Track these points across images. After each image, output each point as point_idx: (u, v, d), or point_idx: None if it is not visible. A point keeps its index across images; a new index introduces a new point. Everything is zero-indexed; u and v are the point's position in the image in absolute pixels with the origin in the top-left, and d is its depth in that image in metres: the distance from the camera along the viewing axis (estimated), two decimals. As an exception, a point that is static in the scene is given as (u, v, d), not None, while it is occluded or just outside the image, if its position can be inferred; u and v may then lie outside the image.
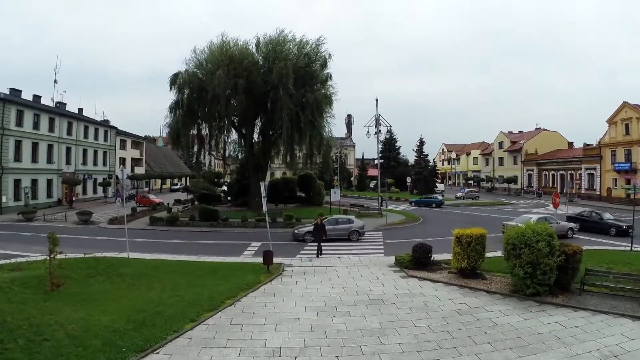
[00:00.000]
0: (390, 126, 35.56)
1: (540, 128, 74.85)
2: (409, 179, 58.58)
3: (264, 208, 16.67)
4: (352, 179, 72.43)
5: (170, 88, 31.14)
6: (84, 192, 47.54)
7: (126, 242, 17.59)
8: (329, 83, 34.54)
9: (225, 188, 46.34)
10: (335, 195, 32.13)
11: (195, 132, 32.32)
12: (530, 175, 66.66)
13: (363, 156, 79.44)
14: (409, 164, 76.08)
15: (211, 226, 27.01)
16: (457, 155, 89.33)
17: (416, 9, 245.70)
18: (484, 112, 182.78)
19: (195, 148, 33.65)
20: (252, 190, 34.37)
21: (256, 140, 35.13)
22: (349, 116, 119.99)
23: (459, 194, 54.29)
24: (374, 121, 33.78)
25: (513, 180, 66.03)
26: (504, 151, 71.55)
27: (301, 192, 40.52)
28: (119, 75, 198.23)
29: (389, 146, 70.58)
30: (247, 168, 35.50)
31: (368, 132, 34.17)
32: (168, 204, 40.20)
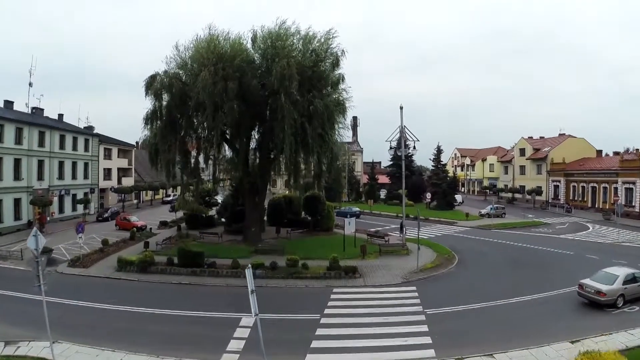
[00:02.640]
0: (417, 140, 29.62)
1: (564, 134, 68.91)
2: (428, 195, 52.40)
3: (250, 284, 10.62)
4: (361, 189, 66.52)
5: (146, 94, 25.32)
6: (61, 210, 41.98)
7: (48, 335, 11.62)
8: (342, 86, 28.65)
9: (219, 200, 40.58)
10: (350, 226, 26.48)
11: (177, 147, 26.48)
12: (556, 187, 60.69)
13: (373, 164, 73.17)
14: (423, 172, 70.48)
15: (193, 274, 21.27)
16: (472, 161, 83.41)
17: (419, 10, 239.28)
18: (487, 112, 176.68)
19: (178, 167, 27.74)
20: (248, 217, 28.63)
21: (253, 156, 29.31)
22: (355, 118, 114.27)
23: (483, 211, 48.42)
24: (392, 132, 28.07)
25: (537, 191, 60.10)
26: (527, 159, 65.56)
27: (307, 214, 34.82)
28: (120, 75, 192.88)
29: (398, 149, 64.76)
30: (242, 190, 29.70)
31: (390, 147, 28.40)
32: (151, 229, 34.51)
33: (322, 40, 27.15)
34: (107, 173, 50.68)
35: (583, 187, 56.19)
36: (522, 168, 67.33)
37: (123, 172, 54.62)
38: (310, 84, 25.93)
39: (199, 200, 33.85)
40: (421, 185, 62.53)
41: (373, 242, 29.27)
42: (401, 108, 27.47)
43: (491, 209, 48.06)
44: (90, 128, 50.50)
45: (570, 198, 57.79)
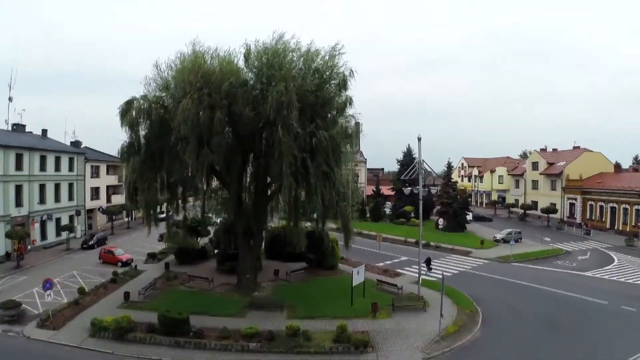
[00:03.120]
0: (436, 174, 26.22)
1: (579, 147, 65.65)
2: (440, 221, 48.83)
3: None
4: (365, 206, 62.81)
5: (121, 123, 22.00)
6: (44, 236, 38.81)
7: None
8: (349, 110, 25.34)
9: (212, 230, 37.22)
10: (358, 276, 23.26)
11: (158, 186, 23.13)
12: (572, 205, 57.38)
13: (378, 180, 68.90)
14: (431, 187, 66.66)
15: (176, 345, 17.99)
16: (480, 172, 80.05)
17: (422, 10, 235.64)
18: (490, 114, 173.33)
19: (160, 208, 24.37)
20: (242, 262, 25.34)
21: (247, 192, 25.89)
22: (357, 124, 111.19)
23: (498, 236, 45.11)
24: (410, 168, 24.80)
25: (552, 210, 56.80)
26: (540, 174, 62.23)
27: (309, 251, 31.54)
28: (120, 74, 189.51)
29: (407, 166, 61.14)
30: (234, 232, 26.34)
31: (407, 184, 25.17)
32: (136, 266, 31.20)
33: (327, 57, 23.58)
34: (95, 192, 47.48)
35: (601, 207, 52.91)
36: (535, 183, 64.01)
37: (113, 189, 51.41)
38: (313, 111, 22.43)
39: (188, 233, 30.60)
40: (429, 202, 59.15)
41: (384, 289, 26.02)
42: (419, 139, 24.13)
43: (507, 233, 44.76)
44: (77, 143, 47.35)
45: (588, 217, 54.53)
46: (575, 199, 56.47)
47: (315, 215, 24.39)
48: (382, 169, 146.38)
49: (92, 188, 46.41)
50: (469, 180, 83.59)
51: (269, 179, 24.67)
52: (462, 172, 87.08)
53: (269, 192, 25.31)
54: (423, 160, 24.64)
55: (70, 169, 42.27)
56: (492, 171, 77.19)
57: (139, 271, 30.49)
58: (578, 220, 55.58)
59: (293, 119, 20.45)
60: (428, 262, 32.59)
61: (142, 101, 22.31)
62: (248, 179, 25.23)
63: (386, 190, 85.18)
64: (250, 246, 25.15)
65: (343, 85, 23.64)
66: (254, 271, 25.38)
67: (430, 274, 30.93)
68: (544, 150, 67.48)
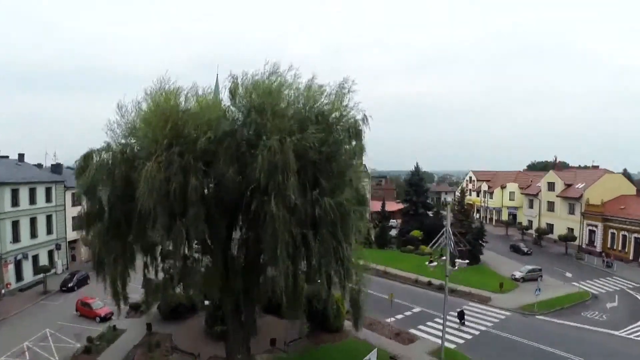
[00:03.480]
0: (464, 246, 22.61)
1: (597, 166, 61.98)
2: (458, 260, 43.10)
3: None
4: (370, 231, 58.52)
5: (78, 184, 18.32)
6: (19, 277, 35.25)
7: None
8: (361, 159, 21.61)
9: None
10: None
11: (126, 260, 19.29)
12: (592, 232, 53.58)
13: (384, 203, 63.73)
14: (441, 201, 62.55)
15: None
16: (489, 187, 76.13)
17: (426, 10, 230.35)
18: (489, 112, 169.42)
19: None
20: (232, 340, 21.58)
21: (234, 260, 21.88)
22: (362, 146, 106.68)
23: (517, 275, 41.38)
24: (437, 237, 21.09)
25: (570, 238, 53.03)
26: (557, 196, 58.36)
27: (310, 316, 27.70)
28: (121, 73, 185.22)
29: (416, 187, 57.37)
30: (222, 307, 22.51)
31: (431, 261, 21.55)
32: (114, 327, 27.47)
33: (333, 96, 19.47)
34: (79, 220, 43.69)
35: (624, 236, 49.13)
36: (551, 205, 60.13)
37: (99, 215, 47.69)
38: (316, 169, 18.15)
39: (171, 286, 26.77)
40: (439, 227, 55.23)
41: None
42: (446, 204, 20.21)
43: (527, 272, 41.08)
44: (58, 167, 43.57)
45: (609, 247, 50.79)
46: (596, 226, 52.66)
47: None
48: (385, 177, 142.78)
49: (74, 217, 42.65)
50: (478, 195, 79.80)
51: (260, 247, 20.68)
52: (471, 186, 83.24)
53: (261, 260, 21.42)
54: (450, 230, 20.80)
55: (48, 199, 38.58)
56: (503, 187, 73.32)
57: (118, 332, 26.88)
58: (598, 248, 51.86)
59: (290, 187, 16.32)
60: (461, 315, 29.19)
61: (103, 154, 18.43)
62: (236, 249, 21.32)
63: (391, 204, 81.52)
64: (241, 322, 21.43)
65: (355, 135, 19.62)
66: (246, 352, 21.65)
67: (463, 330, 27.61)
68: (560, 168, 63.58)
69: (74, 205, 42.88)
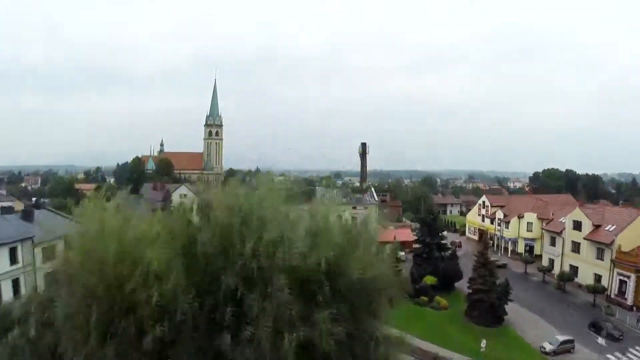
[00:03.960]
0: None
1: (627, 201, 56.55)
2: (483, 342, 34.19)
3: None
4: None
5: None
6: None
7: None
8: None
9: None
10: None
11: None
12: (623, 283, 48.57)
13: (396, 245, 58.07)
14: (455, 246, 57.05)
15: None
16: (505, 215, 70.90)
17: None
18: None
19: None
20: None
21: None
22: (364, 145, 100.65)
23: (547, 348, 36.50)
24: None
25: (599, 290, 48.08)
26: (584, 238, 53.25)
27: None
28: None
29: (429, 227, 52.16)
30: None
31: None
32: None
33: None
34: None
35: (662, 292, 44.23)
36: (576, 246, 55.03)
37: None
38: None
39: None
40: (456, 272, 50.42)
41: None
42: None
43: (559, 344, 36.25)
44: (29, 214, 38.51)
45: (643, 301, 45.87)
46: (629, 277, 47.61)
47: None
48: (390, 191, 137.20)
49: (47, 274, 37.69)
50: (492, 223, 74.70)
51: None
52: (483, 212, 78.09)
53: None
54: None
55: (13, 261, 33.60)
56: (520, 217, 68.16)
57: None
58: (629, 301, 46.93)
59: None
60: None
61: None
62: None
63: (400, 233, 76.17)
64: None
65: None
66: None
67: None
68: (584, 204, 58.31)
69: (44, 262, 37.88)
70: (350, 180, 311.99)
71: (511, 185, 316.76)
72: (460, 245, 76.44)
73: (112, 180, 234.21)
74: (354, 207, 67.76)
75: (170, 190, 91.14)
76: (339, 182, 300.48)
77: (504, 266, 57.63)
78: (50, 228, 40.44)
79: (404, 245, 70.91)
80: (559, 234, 57.80)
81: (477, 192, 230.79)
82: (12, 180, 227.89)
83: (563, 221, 58.14)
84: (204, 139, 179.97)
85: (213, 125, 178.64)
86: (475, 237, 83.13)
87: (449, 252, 53.05)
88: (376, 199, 69.13)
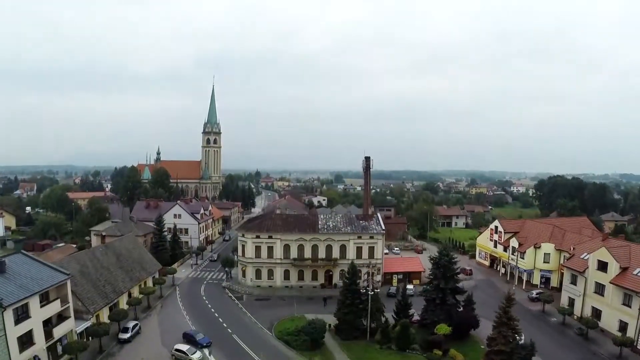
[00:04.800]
0: None
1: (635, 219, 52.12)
2: None
3: None
4: (387, 324, 48.26)
5: None
6: None
7: None
8: None
9: None
10: None
11: None
12: (655, 333, 44.48)
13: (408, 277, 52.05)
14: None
15: None
16: (520, 244, 66.68)
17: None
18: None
19: None
20: None
21: None
22: (367, 159, 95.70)
23: None
24: None
25: (629, 343, 43.89)
26: (610, 282, 49.08)
27: None
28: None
29: (444, 269, 47.84)
30: None
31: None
32: None
33: None
34: (28, 338, 34.75)
35: (701, 350, 40.10)
36: (600, 287, 50.85)
37: (59, 319, 38.69)
38: None
39: None
40: (472, 320, 46.30)
41: None
42: None
43: None
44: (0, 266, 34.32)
45: (679, 358, 41.78)
46: (661, 329, 43.56)
47: None
48: (395, 206, 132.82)
49: (19, 338, 33.63)
50: (505, 250, 70.55)
51: None
52: (496, 238, 73.91)
53: None
54: None
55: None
56: (537, 247, 64.00)
57: None
58: (662, 354, 42.91)
59: None
60: None
61: None
62: None
63: (409, 262, 72.38)
64: None
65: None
66: None
67: None
68: (610, 242, 54.04)
69: (17, 323, 33.76)
70: (352, 185, 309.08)
71: (514, 189, 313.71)
72: (471, 273, 72.38)
73: (109, 185, 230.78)
74: (359, 237, 63.48)
75: (163, 212, 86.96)
76: (340, 187, 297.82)
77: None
78: (23, 282, 36.51)
79: (412, 277, 66.95)
80: (582, 273, 53.63)
81: (481, 198, 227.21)
82: (8, 187, 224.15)
83: (585, 258, 53.98)
84: (202, 146, 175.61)
85: (211, 133, 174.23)
86: (486, 263, 79.21)
87: (464, 295, 48.82)
88: (383, 227, 64.74)
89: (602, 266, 50.78)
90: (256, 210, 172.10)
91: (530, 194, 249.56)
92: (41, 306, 36.41)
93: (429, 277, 50.51)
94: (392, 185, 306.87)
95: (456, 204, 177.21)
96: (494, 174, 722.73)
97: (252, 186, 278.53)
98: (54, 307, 38.13)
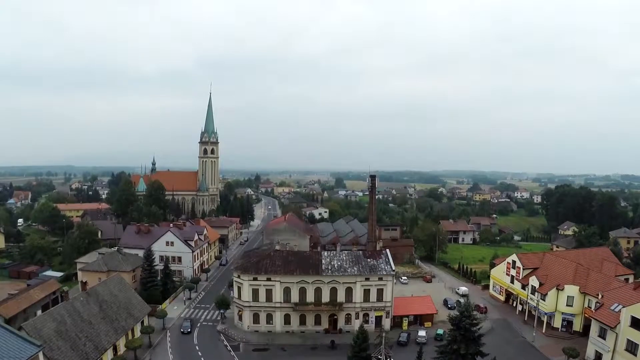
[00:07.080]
0: None
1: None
2: None
3: None
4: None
5: None
6: None
7: None
8: None
9: None
10: None
11: None
12: None
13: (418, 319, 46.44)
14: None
15: None
16: (540, 284, 61.54)
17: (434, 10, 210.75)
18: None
19: None
20: None
21: None
22: (373, 177, 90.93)
23: None
24: None
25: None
26: (649, 344, 44.00)
27: None
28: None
29: (465, 332, 42.30)
30: None
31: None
32: None
33: None
34: None
35: None
36: (633, 346, 45.83)
37: None
38: None
39: None
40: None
41: None
42: None
43: None
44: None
45: None
46: None
47: None
48: (401, 226, 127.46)
49: None
50: (523, 288, 65.43)
51: None
52: (513, 273, 68.78)
53: None
54: None
55: None
56: (560, 289, 58.92)
57: None
58: None
59: None
60: None
61: None
62: None
63: (419, 303, 67.34)
64: None
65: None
66: None
67: None
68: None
69: None
70: (353, 191, 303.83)
71: (518, 195, 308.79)
72: (486, 311, 67.25)
73: (105, 193, 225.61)
74: (367, 279, 58.41)
75: (154, 240, 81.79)
76: (342, 193, 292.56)
77: None
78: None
79: (424, 319, 62.00)
80: (613, 328, 48.53)
81: (485, 206, 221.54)
82: (2, 195, 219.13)
83: (617, 311, 48.89)
84: (198, 157, 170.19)
85: (208, 143, 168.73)
86: (502, 298, 74.13)
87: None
88: (393, 267, 59.64)
89: (636, 323, 45.73)
90: (255, 223, 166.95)
91: (536, 202, 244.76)
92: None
93: (448, 334, 45.17)
94: (394, 191, 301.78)
95: (461, 215, 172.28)
96: (495, 174, 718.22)
97: (252, 192, 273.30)
98: None
